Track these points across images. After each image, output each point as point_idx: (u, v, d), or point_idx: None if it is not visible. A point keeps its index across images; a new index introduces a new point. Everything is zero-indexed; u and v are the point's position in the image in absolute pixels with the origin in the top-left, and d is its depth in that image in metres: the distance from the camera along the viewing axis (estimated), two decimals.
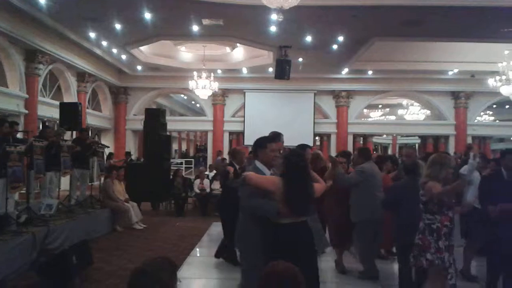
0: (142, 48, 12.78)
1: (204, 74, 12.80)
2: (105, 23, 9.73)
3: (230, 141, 16.36)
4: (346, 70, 13.83)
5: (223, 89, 15.15)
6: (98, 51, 12.17)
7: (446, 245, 3.98)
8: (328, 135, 15.97)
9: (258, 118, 15.12)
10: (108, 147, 10.06)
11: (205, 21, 9.32)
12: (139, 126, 10.60)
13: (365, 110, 19.54)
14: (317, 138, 16.68)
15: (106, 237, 7.24)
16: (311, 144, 15.27)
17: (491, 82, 11.33)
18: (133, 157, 13.67)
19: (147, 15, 9.02)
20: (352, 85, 15.09)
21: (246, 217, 3.41)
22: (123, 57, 12.98)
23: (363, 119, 19.16)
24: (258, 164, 3.45)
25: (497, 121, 19.21)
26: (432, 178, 4.06)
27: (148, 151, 10.07)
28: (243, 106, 15.79)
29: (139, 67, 14.39)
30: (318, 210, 5.52)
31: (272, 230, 3.26)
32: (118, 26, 9.88)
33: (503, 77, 10.89)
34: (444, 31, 9.53)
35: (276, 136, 4.81)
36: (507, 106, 17.83)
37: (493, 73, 11.19)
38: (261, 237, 3.27)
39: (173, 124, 16.25)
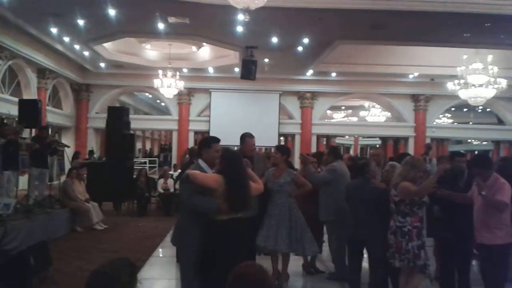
0: (106, 45, 12.52)
1: (169, 73, 12.68)
2: (68, 19, 9.48)
3: (195, 141, 16.24)
4: (310, 71, 14.01)
5: (189, 88, 15.04)
6: (60, 47, 11.84)
7: (419, 244, 4.13)
8: (293, 136, 16.14)
9: (224, 118, 15.10)
10: (68, 146, 9.79)
11: (171, 19, 9.24)
12: (102, 124, 10.41)
13: (328, 111, 19.87)
14: (281, 138, 16.82)
15: (66, 238, 7.06)
16: (275, 144, 15.39)
17: (450, 85, 11.69)
18: (95, 156, 13.39)
19: (112, 11, 8.85)
20: (316, 86, 15.31)
21: (185, 215, 3.53)
22: (86, 53, 12.68)
23: (326, 120, 19.46)
24: (201, 163, 3.55)
25: (455, 123, 19.91)
26: (403, 177, 4.20)
27: (110, 150, 9.87)
28: (209, 106, 15.74)
29: (102, 64, 14.09)
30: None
31: (209, 226, 3.40)
32: (81, 22, 9.64)
33: (462, 81, 11.24)
34: (405, 36, 9.82)
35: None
36: (465, 109, 18.51)
37: (452, 77, 11.56)
38: (200, 234, 3.40)
39: (137, 122, 15.97)
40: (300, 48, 10.91)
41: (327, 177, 5.43)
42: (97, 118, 14.71)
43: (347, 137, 24.58)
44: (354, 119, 22.37)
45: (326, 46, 10.85)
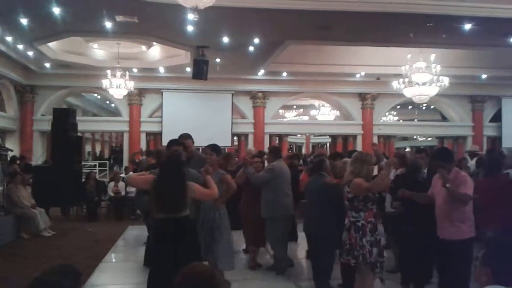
0: (51, 44, 12.06)
1: (118, 73, 12.38)
2: (10, 18, 9.06)
3: (148, 142, 15.99)
4: (262, 71, 14.13)
5: (140, 88, 14.77)
6: (2, 47, 11.29)
7: (372, 240, 4.23)
8: (246, 135, 16.21)
9: (176, 119, 14.94)
10: (11, 150, 9.38)
11: (119, 18, 9.04)
12: (48, 127, 10.01)
13: (280, 111, 20.09)
14: (235, 138, 16.86)
15: (11, 245, 6.80)
16: (229, 144, 15.41)
17: (395, 84, 12.04)
18: (41, 160, 12.89)
19: (56, 10, 8.54)
20: (268, 86, 15.45)
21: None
22: (30, 53, 12.17)
23: (279, 119, 19.68)
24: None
25: (401, 120, 20.66)
26: (356, 174, 4.29)
27: (56, 153, 9.51)
28: (161, 106, 15.52)
29: (47, 65, 13.57)
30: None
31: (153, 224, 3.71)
32: (24, 21, 9.24)
33: (406, 80, 11.59)
34: (351, 36, 10.11)
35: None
36: (409, 107, 19.24)
37: (397, 76, 11.91)
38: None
39: (86, 124, 15.57)
40: (251, 48, 10.99)
41: (266, 176, 5.62)
42: (43, 121, 14.12)
43: (299, 135, 24.97)
44: (305, 118, 22.76)
45: (276, 46, 10.98)
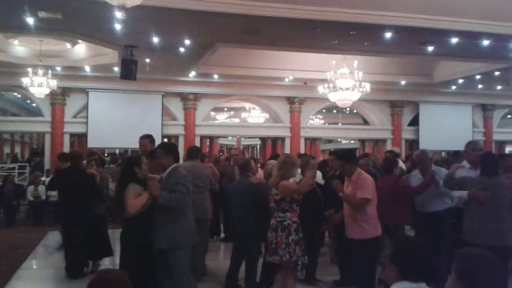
0: None
1: (40, 71, 11.80)
2: None
3: (71, 144, 15.33)
4: (193, 73, 14.08)
5: (63, 87, 14.15)
6: None
7: (296, 239, 4.41)
8: (176, 137, 16.05)
9: (103, 120, 14.46)
10: None
11: (42, 14, 8.62)
12: None
13: (212, 113, 20.12)
14: (165, 139, 16.63)
15: None
16: None
17: (320, 89, 12.53)
18: None
19: None
20: (199, 88, 15.42)
21: None
22: None
23: (210, 121, 19.69)
24: None
25: (326, 124, 21.47)
26: (284, 177, 4.45)
27: None
28: (86, 107, 14.94)
29: None
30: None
31: None
32: None
33: (331, 85, 12.10)
34: (280, 41, 10.39)
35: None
36: (334, 111, 20.05)
37: (323, 81, 12.38)
38: None
39: (5, 125, 14.72)
40: (182, 49, 10.92)
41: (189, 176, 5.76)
42: None
43: (230, 138, 25.13)
44: (236, 120, 22.96)
45: (207, 48, 11.01)
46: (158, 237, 4.16)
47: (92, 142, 14.44)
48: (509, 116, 20.11)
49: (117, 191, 4.40)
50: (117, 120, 14.09)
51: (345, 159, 4.70)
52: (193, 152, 6.29)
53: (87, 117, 14.89)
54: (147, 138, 5.25)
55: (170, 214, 4.12)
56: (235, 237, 5.45)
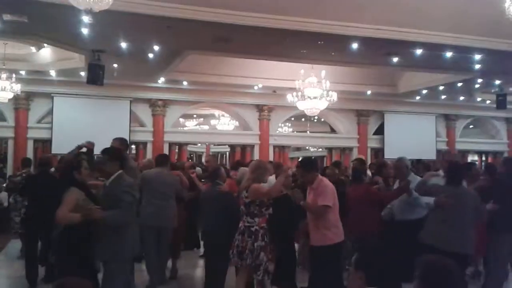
0: None
1: (3, 75, 11.48)
2: None
3: (35, 150, 14.92)
4: (162, 79, 14.00)
5: (28, 92, 13.81)
6: None
7: (262, 245, 4.44)
8: (145, 143, 15.88)
9: (68, 125, 14.14)
10: None
11: (6, 17, 8.41)
12: None
13: (181, 119, 20.00)
14: (133, 146, 16.41)
15: None
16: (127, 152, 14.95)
17: (289, 97, 12.69)
18: None
19: None
20: (168, 94, 15.33)
21: None
22: None
23: (179, 128, 19.57)
24: None
25: (295, 132, 21.67)
26: (256, 181, 4.50)
27: None
28: (51, 112, 14.60)
29: None
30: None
31: None
32: None
33: (299, 94, 12.28)
34: (250, 49, 10.48)
35: None
36: (303, 119, 20.22)
37: (291, 90, 12.54)
38: None
39: None
40: (150, 55, 10.84)
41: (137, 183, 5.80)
42: None
43: (199, 144, 25.00)
44: (206, 127, 22.89)
45: (176, 55, 10.99)
46: (100, 248, 3.98)
47: (57, 148, 14.06)
48: (471, 126, 20.80)
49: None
50: (83, 126, 13.80)
51: (306, 168, 4.78)
52: (161, 160, 6.30)
53: (51, 123, 14.55)
54: (117, 141, 5.18)
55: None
56: (207, 246, 5.45)
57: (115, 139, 5.33)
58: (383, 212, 5.74)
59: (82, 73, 12.16)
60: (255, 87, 14.97)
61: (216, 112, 20.28)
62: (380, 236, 5.71)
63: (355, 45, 9.61)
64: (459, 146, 18.77)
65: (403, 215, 5.51)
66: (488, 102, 16.60)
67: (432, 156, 17.43)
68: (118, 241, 3.96)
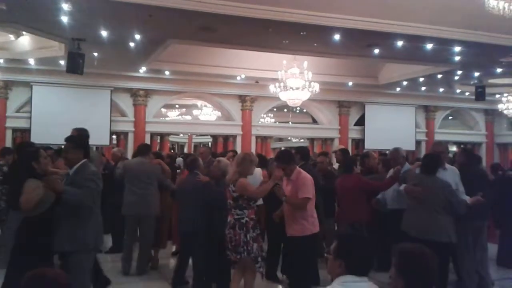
0: None
1: None
2: None
3: (14, 139, 14.66)
4: (144, 69, 13.88)
5: (6, 80, 13.60)
6: None
7: (254, 236, 4.48)
8: (126, 134, 15.74)
9: (48, 115, 13.93)
10: None
11: None
12: None
13: (163, 110, 19.87)
14: (113, 136, 16.26)
15: None
16: (107, 142, 14.83)
17: (272, 88, 12.74)
18: None
19: None
20: (150, 84, 15.20)
21: None
22: None
23: (161, 118, 19.45)
24: None
25: (277, 122, 21.75)
26: (241, 174, 4.52)
27: None
28: (30, 101, 14.35)
29: None
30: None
31: None
32: None
33: (282, 84, 12.34)
34: (232, 39, 10.44)
35: None
36: (285, 110, 20.32)
37: (274, 80, 12.59)
38: None
39: None
40: (132, 44, 10.72)
41: (118, 173, 6.04)
42: None
43: (181, 135, 24.92)
44: (188, 117, 22.79)
45: (158, 44, 10.88)
46: (61, 238, 3.80)
47: (36, 138, 13.84)
48: (450, 118, 21.17)
49: (14, 188, 4.15)
50: (63, 115, 13.60)
51: (283, 161, 4.81)
52: (142, 149, 6.32)
53: (30, 112, 14.31)
54: (75, 131, 5.09)
55: (76, 213, 3.80)
56: (183, 236, 5.48)
57: (74, 129, 5.26)
58: (373, 200, 5.82)
59: (62, 62, 11.98)
60: (238, 78, 14.96)
61: (199, 103, 20.20)
62: (371, 225, 5.81)
63: (337, 37, 9.68)
64: (438, 137, 19.07)
65: (395, 204, 5.61)
66: (467, 93, 16.94)
67: (412, 147, 17.74)
68: (83, 229, 3.84)
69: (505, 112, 16.52)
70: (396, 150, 6.04)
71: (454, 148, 19.86)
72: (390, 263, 2.28)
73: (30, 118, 14.26)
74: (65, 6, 7.56)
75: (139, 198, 5.80)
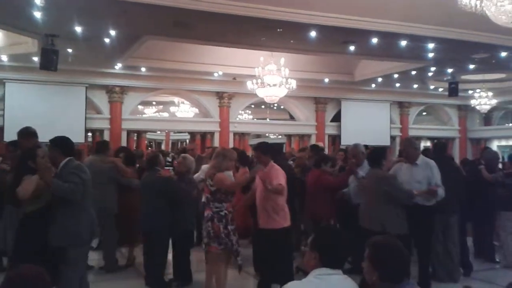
0: None
1: None
2: None
3: None
4: (119, 65, 13.71)
5: None
6: None
7: (232, 228, 4.54)
8: (101, 131, 15.54)
9: (21, 112, 13.63)
10: None
11: None
12: None
13: (140, 107, 19.69)
14: (89, 134, 16.05)
15: None
16: (82, 140, 14.62)
17: (249, 84, 12.77)
18: None
19: None
20: (126, 81, 15.04)
21: None
22: None
23: (138, 115, 19.27)
24: None
25: (255, 119, 21.81)
26: (217, 168, 4.57)
27: None
28: (3, 98, 14.04)
29: None
30: None
31: None
32: None
33: (259, 81, 12.38)
34: (209, 35, 10.42)
35: None
36: (262, 106, 20.37)
37: (251, 77, 12.63)
38: None
39: None
40: (107, 40, 10.58)
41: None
42: None
43: (158, 132, 24.74)
44: (165, 114, 22.64)
45: (134, 40, 10.77)
46: (55, 233, 3.93)
47: (9, 136, 13.52)
48: (424, 113, 21.58)
49: (12, 186, 4.17)
50: (37, 113, 13.36)
51: (262, 150, 4.90)
52: (99, 147, 6.31)
53: (3, 110, 14.00)
54: (20, 133, 5.01)
55: (69, 208, 3.94)
56: (144, 232, 5.54)
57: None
58: (339, 193, 5.93)
59: (35, 58, 11.74)
60: (215, 74, 14.94)
61: (176, 99, 20.09)
62: (334, 219, 5.92)
63: (313, 33, 9.76)
64: (412, 133, 19.42)
65: (357, 199, 5.71)
66: (440, 89, 17.29)
67: (387, 142, 18.03)
68: (77, 224, 3.98)
69: (477, 107, 16.95)
70: (356, 146, 6.10)
71: (428, 144, 20.29)
72: (356, 258, 2.36)
73: (3, 116, 13.95)
74: (38, 1, 7.43)
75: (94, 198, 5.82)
